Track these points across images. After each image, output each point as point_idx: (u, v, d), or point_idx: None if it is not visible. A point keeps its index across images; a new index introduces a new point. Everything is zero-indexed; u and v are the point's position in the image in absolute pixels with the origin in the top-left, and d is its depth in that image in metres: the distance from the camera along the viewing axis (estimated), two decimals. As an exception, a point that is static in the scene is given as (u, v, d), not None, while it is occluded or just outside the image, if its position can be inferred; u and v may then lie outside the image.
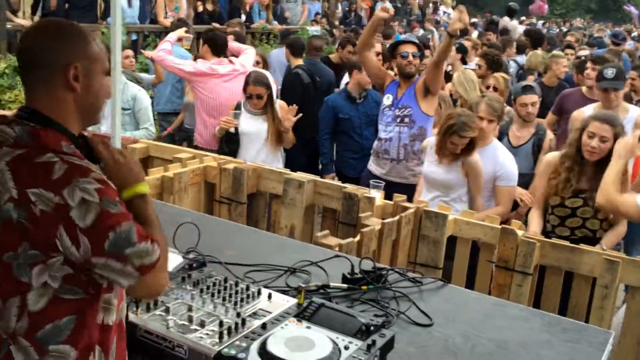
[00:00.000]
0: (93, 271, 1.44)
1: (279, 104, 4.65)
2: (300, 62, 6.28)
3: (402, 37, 4.91)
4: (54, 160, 1.43)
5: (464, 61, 6.77)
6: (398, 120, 4.38)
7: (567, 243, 3.09)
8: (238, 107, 4.53)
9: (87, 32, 1.60)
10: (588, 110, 4.69)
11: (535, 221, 3.59)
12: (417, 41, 4.73)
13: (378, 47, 6.09)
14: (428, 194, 3.84)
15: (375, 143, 4.58)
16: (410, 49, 4.44)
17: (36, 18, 8.45)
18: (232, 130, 4.45)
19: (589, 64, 5.47)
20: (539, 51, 7.90)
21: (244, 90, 4.46)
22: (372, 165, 4.59)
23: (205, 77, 5.00)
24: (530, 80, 6.31)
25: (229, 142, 4.49)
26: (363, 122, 5.20)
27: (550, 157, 3.68)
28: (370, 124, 5.16)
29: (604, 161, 3.31)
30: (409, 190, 3.98)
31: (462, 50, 6.84)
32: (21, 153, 1.45)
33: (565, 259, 3.05)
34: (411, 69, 4.41)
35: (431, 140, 3.98)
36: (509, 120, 4.56)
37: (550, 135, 4.59)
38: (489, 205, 3.87)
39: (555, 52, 6.71)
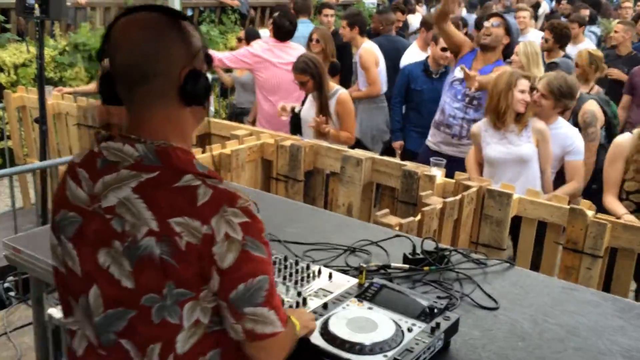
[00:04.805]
0: None
1: (339, 97, 4.16)
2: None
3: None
4: (195, 184, 1.23)
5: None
6: (467, 100, 4.23)
7: (640, 224, 2.94)
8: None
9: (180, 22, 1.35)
10: None
11: (616, 205, 3.32)
12: (505, 16, 4.42)
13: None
14: (499, 178, 3.55)
15: (438, 114, 4.41)
16: (494, 20, 4.25)
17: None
18: (296, 110, 4.40)
19: None
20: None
21: None
22: (429, 139, 4.46)
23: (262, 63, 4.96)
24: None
25: (294, 124, 4.47)
26: (434, 98, 4.93)
27: (620, 140, 3.44)
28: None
29: None
30: (461, 164, 3.87)
31: None
32: (152, 177, 1.24)
33: (639, 241, 2.90)
34: (485, 40, 4.21)
35: (480, 124, 3.77)
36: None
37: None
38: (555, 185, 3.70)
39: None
